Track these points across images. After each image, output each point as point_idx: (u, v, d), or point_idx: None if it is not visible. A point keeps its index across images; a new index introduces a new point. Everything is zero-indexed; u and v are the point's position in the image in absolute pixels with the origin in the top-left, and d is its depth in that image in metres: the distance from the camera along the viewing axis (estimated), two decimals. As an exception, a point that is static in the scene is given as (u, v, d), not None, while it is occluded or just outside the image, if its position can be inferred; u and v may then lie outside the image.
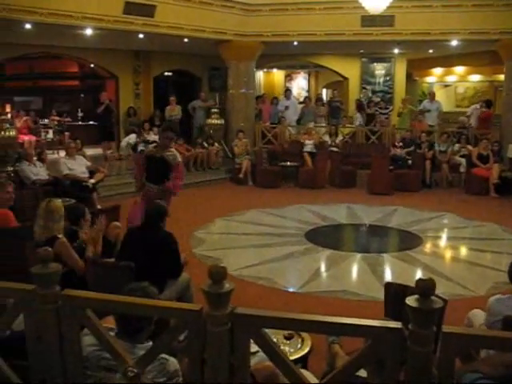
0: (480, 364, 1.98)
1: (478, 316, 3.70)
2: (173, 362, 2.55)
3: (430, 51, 16.04)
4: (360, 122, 14.53)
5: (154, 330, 2.64)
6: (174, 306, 2.21)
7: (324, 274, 6.92)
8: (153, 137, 13.00)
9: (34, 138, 13.58)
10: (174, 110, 14.40)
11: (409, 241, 8.21)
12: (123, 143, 13.37)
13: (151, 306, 2.23)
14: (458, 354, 1.92)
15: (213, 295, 1.95)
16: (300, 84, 20.50)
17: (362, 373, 2.58)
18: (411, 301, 1.83)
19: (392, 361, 1.89)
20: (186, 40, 12.54)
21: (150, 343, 2.56)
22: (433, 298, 1.83)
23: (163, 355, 2.49)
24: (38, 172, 9.21)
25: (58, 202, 4.88)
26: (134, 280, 3.61)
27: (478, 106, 14.35)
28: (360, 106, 15.03)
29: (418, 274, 6.58)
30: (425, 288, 1.82)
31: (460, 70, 18.54)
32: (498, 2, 11.53)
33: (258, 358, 2.82)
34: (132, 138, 13.19)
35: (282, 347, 3.48)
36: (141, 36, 11.93)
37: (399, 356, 1.87)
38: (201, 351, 2.05)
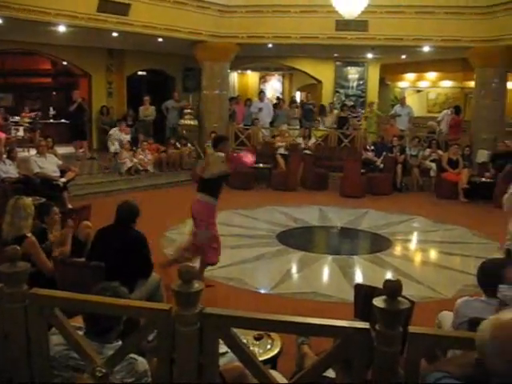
0: (444, 363, 2.02)
1: (447, 318, 3.75)
2: (142, 362, 2.53)
3: (403, 56, 16.23)
4: (323, 126, 14.70)
5: (124, 329, 2.63)
6: (143, 306, 2.20)
7: (295, 276, 6.95)
8: (124, 136, 12.91)
9: (3, 136, 13.33)
10: (147, 110, 14.33)
11: (379, 243, 8.29)
12: (110, 144, 13.18)
13: (120, 305, 2.22)
14: (423, 354, 1.95)
15: (182, 295, 1.95)
16: (274, 86, 20.55)
17: (331, 374, 2.61)
18: (378, 302, 1.86)
19: (359, 360, 1.92)
20: (160, 39, 12.49)
21: (120, 343, 2.54)
22: (399, 298, 1.86)
23: (132, 355, 2.47)
24: (7, 170, 9.07)
25: (27, 200, 4.85)
26: (104, 280, 3.59)
27: (448, 111, 14.56)
28: (322, 111, 15.20)
29: (388, 277, 6.64)
30: (392, 289, 1.85)
31: (432, 75, 18.81)
32: (469, 10, 11.73)
33: (227, 358, 2.83)
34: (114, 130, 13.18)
35: (251, 348, 3.48)
36: (115, 34, 11.86)
37: (366, 356, 1.90)
38: (170, 351, 2.05)
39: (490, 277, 3.41)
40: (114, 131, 13.06)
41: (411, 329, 1.89)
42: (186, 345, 2.00)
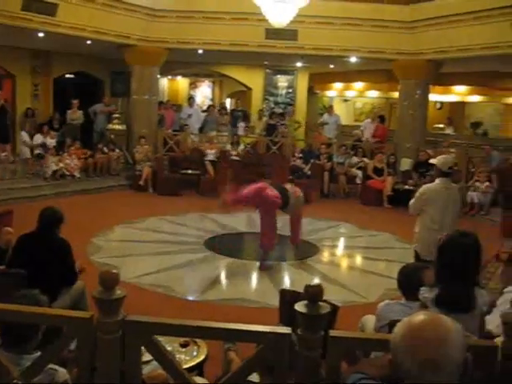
0: (364, 365, 2.07)
1: (370, 321, 3.85)
2: (62, 372, 2.47)
3: (331, 66, 16.58)
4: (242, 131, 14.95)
5: (46, 339, 2.55)
6: (62, 314, 2.14)
7: (223, 282, 6.96)
8: (49, 141, 12.56)
9: None
10: (75, 114, 13.93)
11: (307, 249, 8.39)
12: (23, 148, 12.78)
13: (39, 313, 2.16)
14: (343, 357, 2.00)
15: (104, 302, 1.92)
16: (204, 92, 20.53)
17: (255, 378, 2.63)
18: (300, 306, 1.89)
19: (281, 365, 1.94)
20: (88, 42, 12.21)
21: (39, 354, 2.47)
22: (320, 303, 1.90)
23: (52, 366, 2.40)
24: None
25: None
26: (26, 287, 3.48)
27: (369, 120, 14.97)
28: (244, 117, 15.43)
29: (315, 282, 6.74)
30: (312, 294, 1.89)
31: (359, 85, 19.33)
32: (394, 24, 12.12)
33: (151, 366, 2.79)
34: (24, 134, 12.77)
35: (177, 355, 3.46)
36: (41, 35, 11.48)
37: (288, 360, 1.93)
38: (91, 360, 2.01)
39: (409, 281, 3.54)
40: (24, 135, 12.68)
41: (332, 332, 1.93)
42: (108, 353, 1.96)
